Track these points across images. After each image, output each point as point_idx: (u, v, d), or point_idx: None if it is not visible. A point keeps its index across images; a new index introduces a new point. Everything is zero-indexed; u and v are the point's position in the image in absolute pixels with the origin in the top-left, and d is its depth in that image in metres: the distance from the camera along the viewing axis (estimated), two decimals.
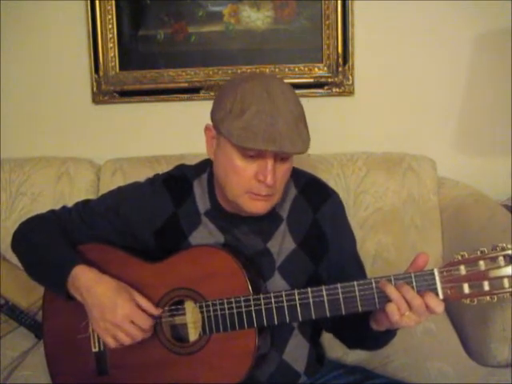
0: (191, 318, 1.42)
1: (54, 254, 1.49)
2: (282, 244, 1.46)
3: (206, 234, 1.46)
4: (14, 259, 2.23)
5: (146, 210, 1.50)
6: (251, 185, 1.33)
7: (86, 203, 1.60)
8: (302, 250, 1.47)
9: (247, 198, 1.35)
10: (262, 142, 1.26)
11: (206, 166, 1.52)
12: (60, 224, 1.56)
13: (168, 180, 1.53)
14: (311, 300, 1.30)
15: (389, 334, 1.36)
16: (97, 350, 1.48)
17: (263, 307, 1.33)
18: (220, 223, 1.47)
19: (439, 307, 1.21)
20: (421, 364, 1.76)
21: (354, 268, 1.50)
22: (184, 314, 1.43)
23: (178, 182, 1.52)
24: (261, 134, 1.26)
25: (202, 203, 1.49)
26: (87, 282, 1.40)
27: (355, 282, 1.27)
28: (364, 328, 1.34)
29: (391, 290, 1.22)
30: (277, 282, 1.44)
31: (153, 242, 1.50)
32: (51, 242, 1.51)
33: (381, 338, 1.40)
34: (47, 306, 1.57)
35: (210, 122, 1.39)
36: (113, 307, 1.36)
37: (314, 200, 1.50)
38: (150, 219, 1.50)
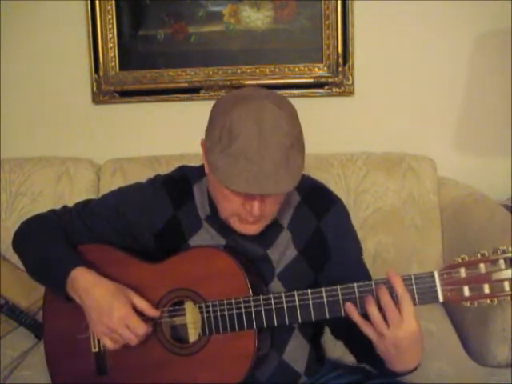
0: (191, 318, 1.42)
1: (53, 255, 1.48)
2: (283, 252, 1.45)
3: (206, 237, 1.46)
4: (14, 259, 2.24)
5: (146, 211, 1.50)
6: (239, 211, 1.33)
7: (86, 203, 1.60)
8: (303, 258, 1.46)
9: (236, 220, 1.36)
10: (244, 185, 1.23)
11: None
12: (60, 224, 1.55)
13: (168, 182, 1.53)
14: (311, 301, 1.30)
15: (399, 374, 1.35)
16: (96, 350, 1.48)
17: (263, 308, 1.33)
18: (221, 228, 1.46)
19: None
20: (421, 364, 1.76)
21: (358, 277, 1.39)
22: (184, 315, 1.43)
23: (179, 183, 1.52)
24: (244, 175, 1.22)
25: (202, 208, 1.48)
26: (85, 284, 1.40)
27: (355, 284, 1.28)
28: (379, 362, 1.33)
29: (372, 310, 1.23)
30: (276, 289, 1.43)
31: (152, 244, 1.50)
32: (51, 243, 1.51)
33: (391, 373, 1.36)
34: (48, 306, 1.57)
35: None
36: (109, 310, 1.36)
37: (317, 208, 1.48)
38: (150, 221, 1.49)
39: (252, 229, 1.36)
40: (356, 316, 1.26)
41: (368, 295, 1.25)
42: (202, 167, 1.53)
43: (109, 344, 1.38)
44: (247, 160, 1.22)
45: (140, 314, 1.39)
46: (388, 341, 1.23)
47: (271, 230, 1.45)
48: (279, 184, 1.24)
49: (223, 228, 1.45)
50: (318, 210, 1.48)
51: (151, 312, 1.40)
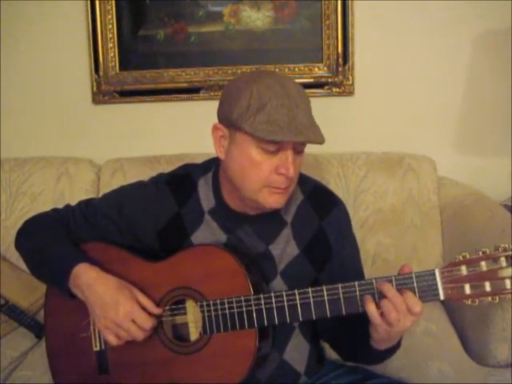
0: (192, 317, 1.43)
1: (56, 253, 1.49)
2: (284, 248, 1.46)
3: (208, 233, 1.46)
4: (14, 259, 2.25)
5: (149, 210, 1.50)
6: (271, 178, 1.34)
7: (88, 202, 1.60)
8: (305, 256, 1.47)
9: (266, 192, 1.35)
10: (289, 134, 1.28)
11: (211, 164, 1.52)
12: (63, 222, 1.56)
13: (171, 180, 1.53)
14: (312, 300, 1.30)
15: (386, 353, 1.37)
16: (98, 348, 1.48)
17: (264, 307, 1.33)
18: (223, 222, 1.47)
19: (416, 306, 1.21)
20: (421, 364, 1.76)
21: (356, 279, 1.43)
22: (185, 314, 1.43)
23: (182, 181, 1.52)
24: (286, 127, 1.27)
25: (207, 201, 1.48)
26: (88, 280, 1.40)
27: (356, 282, 1.28)
28: (364, 344, 1.35)
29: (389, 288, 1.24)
30: (279, 286, 1.44)
31: (156, 242, 1.50)
32: (54, 241, 1.51)
33: (378, 355, 1.39)
34: (49, 305, 1.57)
35: (216, 122, 1.39)
36: (114, 305, 1.36)
37: (320, 207, 1.50)
38: (152, 220, 1.50)
39: (280, 200, 1.37)
40: (372, 308, 1.25)
41: (385, 283, 1.25)
42: (205, 163, 1.55)
43: (112, 340, 1.38)
44: (284, 115, 1.28)
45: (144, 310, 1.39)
46: (396, 329, 1.24)
47: (275, 224, 1.46)
48: (317, 135, 1.31)
49: (226, 221, 1.46)
50: (321, 210, 1.49)
51: (154, 309, 1.40)
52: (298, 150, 1.35)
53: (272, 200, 1.36)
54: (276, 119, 1.28)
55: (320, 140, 1.31)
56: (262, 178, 1.34)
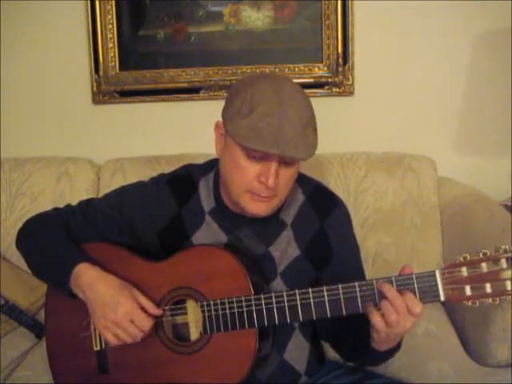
0: (192, 317, 1.43)
1: (57, 252, 1.49)
2: (285, 250, 1.46)
3: (208, 233, 1.47)
4: (14, 259, 2.25)
5: (150, 210, 1.50)
6: (253, 185, 1.33)
7: (89, 202, 1.60)
8: (305, 257, 1.47)
9: (248, 197, 1.35)
10: (265, 144, 1.26)
11: (213, 165, 1.52)
12: (63, 222, 1.56)
13: (172, 180, 1.53)
14: (312, 300, 1.30)
15: (386, 354, 1.37)
16: (98, 348, 1.48)
17: (264, 307, 1.33)
18: (223, 223, 1.47)
19: (416, 307, 1.21)
20: (421, 364, 1.76)
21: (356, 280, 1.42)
22: (185, 314, 1.43)
23: (183, 181, 1.52)
24: (266, 136, 1.26)
25: (207, 202, 1.49)
26: (89, 279, 1.40)
27: (356, 283, 1.28)
28: (364, 345, 1.35)
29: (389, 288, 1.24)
30: (278, 287, 1.44)
31: (156, 243, 1.50)
32: (55, 240, 1.51)
33: (379, 356, 1.39)
34: (49, 304, 1.57)
35: (220, 120, 1.40)
36: (114, 305, 1.36)
37: (321, 208, 1.50)
38: (153, 220, 1.50)
39: (262, 208, 1.37)
40: (370, 306, 1.25)
41: (385, 284, 1.25)
42: (206, 164, 1.55)
43: (111, 339, 1.38)
44: (268, 124, 1.27)
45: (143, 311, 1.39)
46: (396, 330, 1.24)
47: (274, 227, 1.46)
48: (298, 150, 1.28)
49: (226, 223, 1.46)
50: (321, 211, 1.49)
51: (154, 310, 1.40)
52: (287, 161, 1.33)
53: (253, 206, 1.36)
54: (259, 127, 1.27)
55: (300, 156, 1.29)
56: (244, 182, 1.34)
